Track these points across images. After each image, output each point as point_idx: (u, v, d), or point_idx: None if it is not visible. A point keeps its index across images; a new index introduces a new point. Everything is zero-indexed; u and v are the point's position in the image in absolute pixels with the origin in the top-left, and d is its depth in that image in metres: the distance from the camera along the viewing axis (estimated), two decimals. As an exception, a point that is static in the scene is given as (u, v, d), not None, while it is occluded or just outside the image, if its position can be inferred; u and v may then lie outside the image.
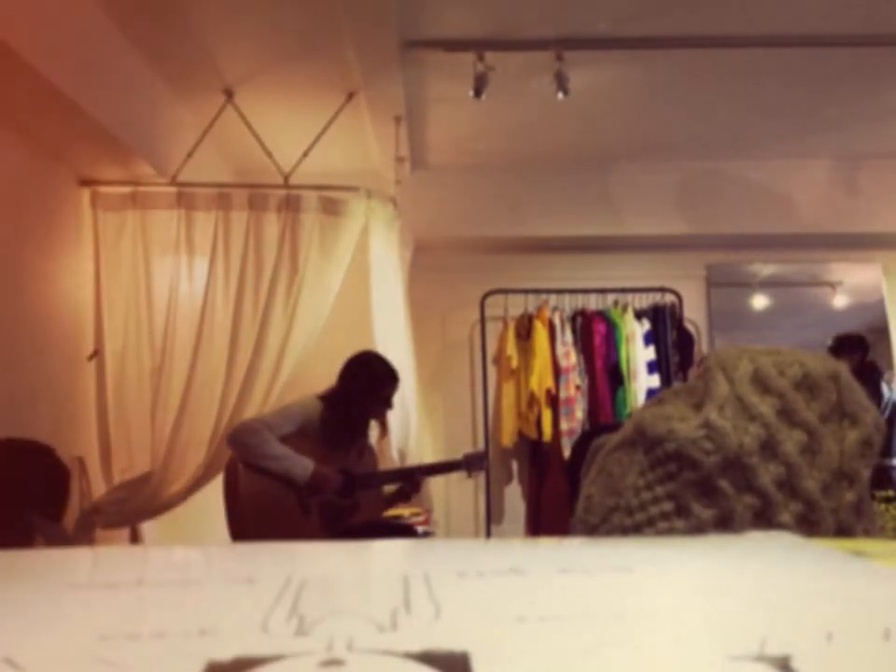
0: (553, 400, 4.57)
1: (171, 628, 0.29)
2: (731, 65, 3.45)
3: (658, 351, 4.67)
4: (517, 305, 4.75)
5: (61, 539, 2.25)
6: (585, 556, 0.47)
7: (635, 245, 4.76)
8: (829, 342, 4.73)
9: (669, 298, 4.77)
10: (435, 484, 4.10)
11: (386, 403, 3.05)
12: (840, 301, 5.22)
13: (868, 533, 0.65)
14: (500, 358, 4.80)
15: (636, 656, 0.27)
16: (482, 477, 4.64)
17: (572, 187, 4.63)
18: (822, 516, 0.62)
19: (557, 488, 4.37)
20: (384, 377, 3.02)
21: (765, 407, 0.64)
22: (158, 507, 3.16)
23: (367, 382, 3.00)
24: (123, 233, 3.25)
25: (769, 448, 0.63)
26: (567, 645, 0.27)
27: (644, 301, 4.76)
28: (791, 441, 0.63)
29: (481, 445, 4.73)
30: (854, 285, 5.19)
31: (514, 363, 4.69)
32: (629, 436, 0.69)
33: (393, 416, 3.43)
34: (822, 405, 0.65)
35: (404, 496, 3.13)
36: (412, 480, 3.07)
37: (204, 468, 3.13)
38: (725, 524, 0.62)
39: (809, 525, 0.62)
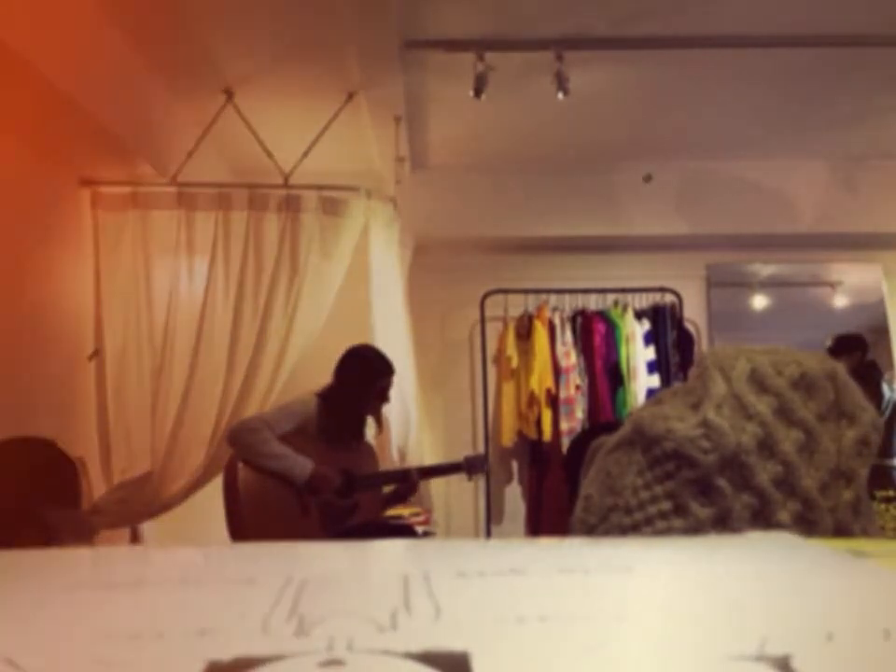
0: (553, 400, 4.57)
1: (171, 628, 0.29)
2: (731, 66, 3.45)
3: (658, 351, 4.67)
4: (517, 305, 4.75)
5: (83, 525, 2.25)
6: (585, 556, 0.47)
7: (635, 244, 4.76)
8: (829, 342, 4.73)
9: (669, 298, 4.77)
10: (435, 485, 4.10)
11: (383, 396, 3.05)
12: (840, 300, 5.22)
13: (866, 532, 0.65)
14: (500, 358, 4.80)
15: (635, 656, 0.27)
16: (482, 477, 4.64)
17: (572, 187, 4.63)
18: (820, 515, 0.62)
19: (557, 488, 4.37)
20: (380, 368, 3.03)
21: (763, 406, 0.64)
22: (158, 507, 3.16)
23: (363, 373, 3.00)
24: (123, 234, 3.25)
25: (767, 447, 0.63)
26: (567, 645, 0.27)
27: (644, 301, 4.76)
28: (788, 441, 0.63)
29: (481, 445, 4.73)
30: (854, 285, 5.19)
31: (514, 363, 4.69)
32: (628, 436, 0.69)
33: (393, 415, 3.44)
34: (820, 404, 0.65)
35: (400, 497, 3.13)
36: (408, 481, 3.07)
37: (204, 467, 3.13)
38: (723, 522, 0.62)
39: (807, 524, 0.62)
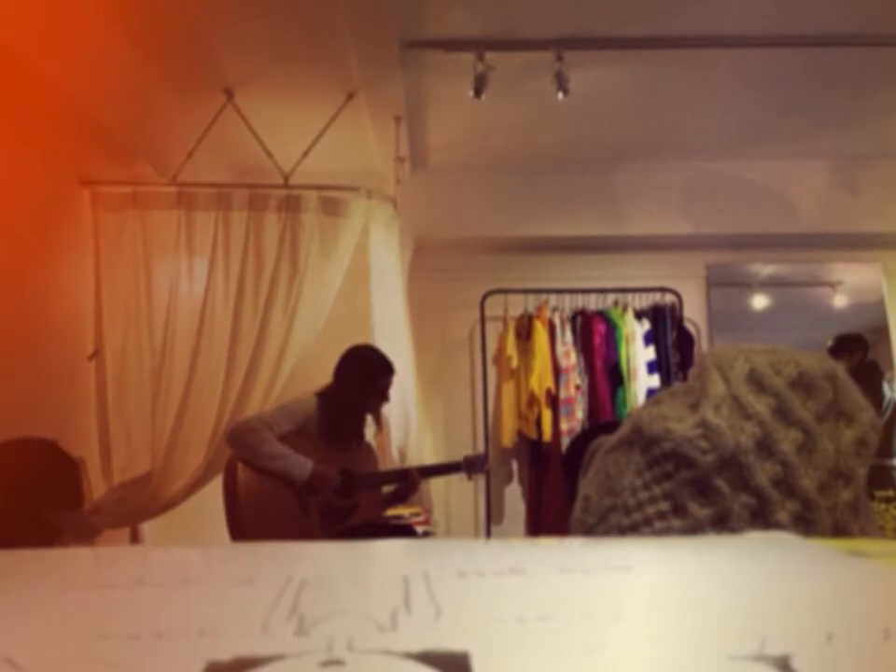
0: (553, 400, 4.57)
1: (171, 628, 0.29)
2: (730, 66, 3.45)
3: (658, 351, 4.67)
4: (517, 305, 4.75)
5: (86, 526, 2.25)
6: (585, 556, 0.47)
7: (635, 244, 4.76)
8: (829, 342, 4.73)
9: (669, 298, 4.77)
10: (435, 485, 4.10)
11: (383, 396, 3.06)
12: (840, 300, 5.22)
13: (865, 532, 0.64)
14: (500, 358, 4.80)
15: (635, 656, 0.27)
16: (482, 477, 4.64)
17: (572, 187, 4.63)
18: (819, 515, 0.62)
19: (557, 488, 4.37)
20: (379, 368, 3.03)
21: (761, 406, 0.64)
22: (158, 507, 3.16)
23: (363, 373, 3.01)
24: (123, 234, 3.25)
25: (765, 447, 0.63)
26: (567, 645, 0.27)
27: (644, 301, 4.76)
28: (787, 440, 0.63)
29: (481, 445, 4.73)
30: (854, 285, 5.19)
31: (514, 363, 4.69)
32: (626, 436, 0.69)
33: (393, 415, 3.43)
34: (818, 404, 0.65)
35: (400, 497, 3.14)
36: (408, 481, 3.07)
37: (204, 467, 3.13)
38: (722, 523, 0.62)
39: (806, 523, 0.62)
